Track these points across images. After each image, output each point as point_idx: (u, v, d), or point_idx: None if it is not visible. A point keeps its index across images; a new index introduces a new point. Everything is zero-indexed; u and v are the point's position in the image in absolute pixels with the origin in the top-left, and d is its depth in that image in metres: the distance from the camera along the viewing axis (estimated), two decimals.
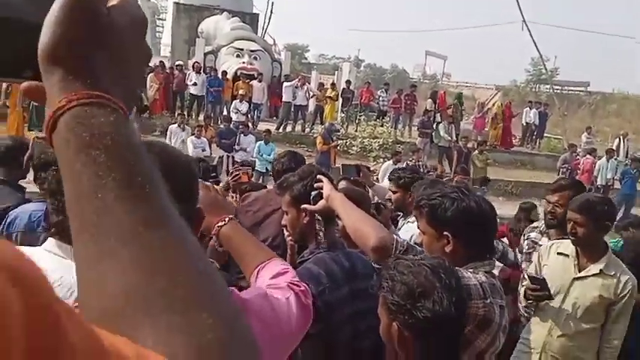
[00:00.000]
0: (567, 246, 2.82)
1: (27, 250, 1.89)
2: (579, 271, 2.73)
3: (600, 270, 2.67)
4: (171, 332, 0.38)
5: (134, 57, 0.50)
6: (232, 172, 5.27)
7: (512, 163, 15.87)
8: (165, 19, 31.72)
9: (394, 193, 3.56)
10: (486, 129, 16.98)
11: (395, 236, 1.84)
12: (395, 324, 1.33)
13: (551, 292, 2.69)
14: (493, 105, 19.48)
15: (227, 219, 1.21)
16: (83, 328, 0.32)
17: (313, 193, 1.97)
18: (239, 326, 0.43)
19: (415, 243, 2.02)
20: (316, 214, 2.02)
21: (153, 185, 0.45)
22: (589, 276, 2.69)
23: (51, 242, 1.17)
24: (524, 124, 18.04)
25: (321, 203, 1.92)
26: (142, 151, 0.46)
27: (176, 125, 11.15)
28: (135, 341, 0.35)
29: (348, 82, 17.18)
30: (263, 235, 2.76)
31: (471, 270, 1.70)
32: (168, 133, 11.13)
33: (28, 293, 0.28)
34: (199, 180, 1.20)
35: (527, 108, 18.06)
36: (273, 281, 1.13)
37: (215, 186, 1.28)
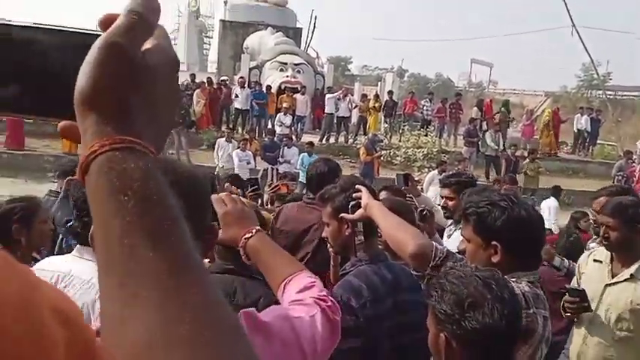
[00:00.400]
0: (602, 252, 2.72)
1: (59, 259, 1.95)
2: (612, 277, 2.61)
3: (631, 275, 2.54)
4: None
5: (166, 98, 0.51)
6: (272, 185, 5.37)
7: (564, 171, 15.34)
8: (212, 37, 32.54)
9: (450, 199, 3.41)
10: (535, 136, 16.51)
11: (435, 244, 1.80)
12: (443, 334, 1.30)
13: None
14: (542, 112, 18.92)
15: (254, 230, 1.18)
16: None
17: (352, 202, 1.97)
18: None
19: (458, 251, 1.97)
20: (358, 225, 2.01)
21: (179, 230, 0.45)
22: (620, 282, 2.57)
23: (78, 248, 1.22)
24: (576, 131, 17.42)
25: (359, 212, 1.91)
26: (168, 195, 0.47)
27: (224, 139, 11.38)
28: None
29: (391, 92, 17.10)
30: (299, 255, 2.77)
31: (513, 280, 1.63)
32: (216, 146, 11.38)
33: (76, 332, 0.33)
34: (220, 194, 1.21)
35: (579, 114, 17.44)
36: (299, 296, 1.10)
37: (242, 198, 1.26)
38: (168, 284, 0.42)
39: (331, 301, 1.11)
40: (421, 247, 1.69)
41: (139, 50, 0.48)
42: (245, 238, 1.16)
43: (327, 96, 15.45)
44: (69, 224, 2.25)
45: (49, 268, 1.80)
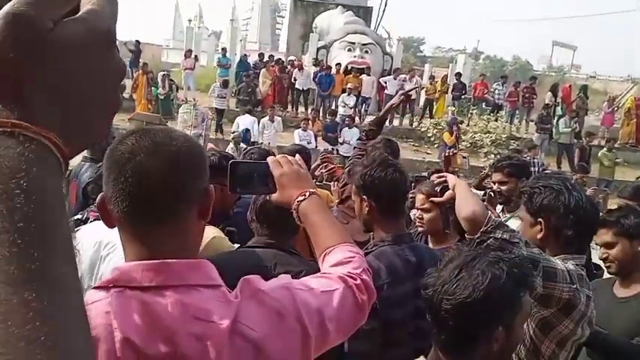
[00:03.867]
0: None
1: (99, 225, 2.01)
2: None
3: None
4: None
5: (91, 77, 0.45)
6: (325, 165, 5.35)
7: None
8: (284, 17, 32.78)
9: (503, 184, 3.28)
10: (616, 125, 15.46)
11: (489, 213, 1.82)
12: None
13: None
14: (627, 100, 17.66)
15: (307, 193, 1.15)
16: None
17: (438, 187, 2.04)
18: None
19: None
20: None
21: (39, 237, 0.39)
22: None
23: None
24: None
25: (449, 193, 1.93)
26: (43, 193, 0.40)
27: (267, 118, 11.50)
28: None
29: (459, 74, 16.55)
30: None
31: (560, 258, 1.75)
32: (260, 126, 11.47)
33: None
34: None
35: None
36: (331, 270, 1.08)
37: (298, 159, 1.22)
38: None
39: (362, 279, 1.07)
40: (475, 213, 1.73)
41: (48, 20, 0.42)
42: (298, 201, 1.14)
43: (387, 78, 15.19)
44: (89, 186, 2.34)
45: (92, 233, 1.84)
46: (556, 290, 1.64)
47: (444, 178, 2.03)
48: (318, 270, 1.13)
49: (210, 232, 2.30)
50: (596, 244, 2.30)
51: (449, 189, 1.94)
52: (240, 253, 1.97)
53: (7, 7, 0.41)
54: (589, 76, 32.34)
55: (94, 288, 0.89)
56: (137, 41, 16.12)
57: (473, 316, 1.24)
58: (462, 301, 1.23)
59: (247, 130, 10.64)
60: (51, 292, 0.38)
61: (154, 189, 0.89)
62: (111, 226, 0.95)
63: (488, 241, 1.63)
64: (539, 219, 1.86)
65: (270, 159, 1.20)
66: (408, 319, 1.91)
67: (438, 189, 2.05)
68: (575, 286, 1.67)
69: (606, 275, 2.41)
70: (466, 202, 1.85)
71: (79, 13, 0.44)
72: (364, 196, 1.99)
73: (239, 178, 1.17)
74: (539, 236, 1.85)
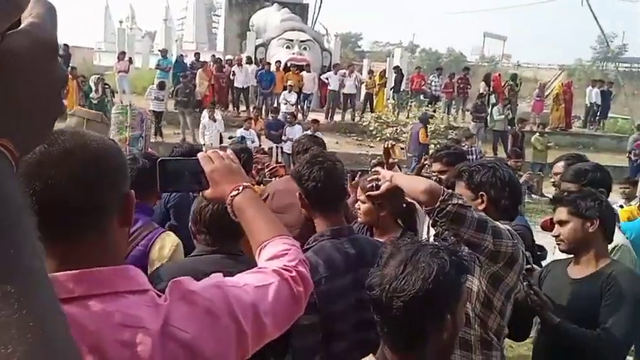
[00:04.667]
0: None
1: None
2: None
3: None
4: None
5: (35, 87, 0.47)
6: (267, 165, 5.34)
7: (574, 145, 15.09)
8: (220, 15, 32.33)
9: (443, 172, 3.34)
10: (546, 111, 16.23)
11: (441, 186, 2.01)
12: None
13: None
14: (555, 86, 18.58)
15: (241, 187, 1.13)
16: None
17: (369, 185, 2.26)
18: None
19: None
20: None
21: (2, 234, 0.42)
22: None
23: None
24: (588, 104, 17.08)
25: (385, 186, 2.11)
26: (6, 194, 0.43)
27: (207, 118, 11.34)
28: None
29: (397, 67, 16.88)
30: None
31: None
32: (200, 126, 11.32)
33: None
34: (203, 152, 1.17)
35: (590, 87, 17.08)
36: (266, 264, 1.07)
37: (230, 154, 1.20)
38: None
39: (298, 271, 1.06)
40: (432, 185, 1.91)
41: None
42: (231, 196, 1.12)
43: (328, 74, 15.31)
44: None
45: None
46: (502, 246, 1.80)
47: (376, 176, 2.25)
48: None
49: (175, 239, 2.29)
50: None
51: (380, 184, 2.12)
52: (188, 261, 1.96)
53: None
54: (518, 65, 33.77)
55: None
56: (65, 45, 15.50)
57: (425, 309, 1.24)
58: (414, 295, 1.22)
59: (243, 138, 10.43)
60: (28, 285, 0.41)
61: (63, 202, 0.85)
62: None
63: (447, 208, 1.79)
64: (481, 193, 2.13)
65: (200, 155, 1.17)
66: (350, 311, 1.92)
67: (373, 185, 2.23)
68: (515, 241, 1.84)
69: (559, 256, 2.51)
70: (415, 181, 2.08)
71: (22, 26, 0.46)
72: (299, 193, 2.00)
73: (169, 176, 1.14)
74: (480, 207, 2.06)
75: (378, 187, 2.19)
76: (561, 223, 2.30)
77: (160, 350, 0.84)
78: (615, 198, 5.61)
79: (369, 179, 2.39)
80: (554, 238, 2.38)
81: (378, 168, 2.40)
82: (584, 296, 2.20)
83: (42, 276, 0.44)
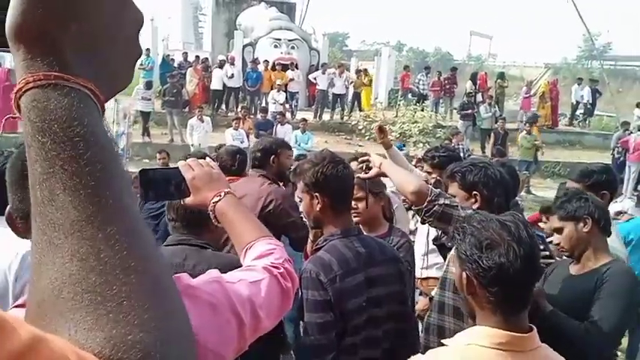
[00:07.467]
0: None
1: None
2: None
3: None
4: (92, 330, 0.38)
5: (117, 30, 0.47)
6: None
7: (561, 143, 15.29)
8: (207, 14, 32.11)
9: (429, 174, 3.38)
10: (533, 109, 16.40)
11: (429, 186, 2.13)
12: (464, 273, 1.40)
13: None
14: (541, 84, 18.76)
15: (223, 193, 1.17)
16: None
17: (359, 166, 2.33)
18: (175, 325, 0.42)
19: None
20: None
21: (105, 173, 0.42)
22: None
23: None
24: (574, 102, 17.29)
25: (374, 170, 2.22)
26: (98, 135, 0.43)
27: (195, 118, 11.28)
28: (61, 336, 0.36)
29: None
30: None
31: None
32: (188, 127, 11.26)
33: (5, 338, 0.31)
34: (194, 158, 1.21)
35: (576, 85, 17.27)
36: (254, 263, 1.11)
37: (209, 161, 1.23)
38: (87, 232, 0.40)
39: (285, 268, 1.11)
40: (421, 187, 2.03)
41: None
42: (213, 202, 1.16)
43: (316, 74, 15.30)
44: None
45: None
46: None
47: (367, 157, 2.33)
48: (231, 261, 1.15)
49: None
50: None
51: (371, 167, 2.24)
52: None
53: None
54: (505, 64, 34.05)
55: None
56: None
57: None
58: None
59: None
60: (127, 225, 0.43)
61: None
62: None
63: (434, 208, 1.92)
64: (474, 192, 2.22)
65: (180, 163, 1.20)
66: (362, 309, 1.94)
67: (363, 166, 2.31)
68: None
69: None
70: (405, 178, 2.16)
71: None
72: (316, 194, 1.98)
73: (151, 185, 1.15)
74: (475, 206, 2.15)
75: (369, 169, 2.28)
76: (557, 230, 2.33)
77: None
78: (625, 204, 5.59)
79: (359, 160, 2.43)
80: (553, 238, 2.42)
81: (369, 153, 2.44)
82: (579, 291, 2.23)
83: (137, 213, 0.46)
